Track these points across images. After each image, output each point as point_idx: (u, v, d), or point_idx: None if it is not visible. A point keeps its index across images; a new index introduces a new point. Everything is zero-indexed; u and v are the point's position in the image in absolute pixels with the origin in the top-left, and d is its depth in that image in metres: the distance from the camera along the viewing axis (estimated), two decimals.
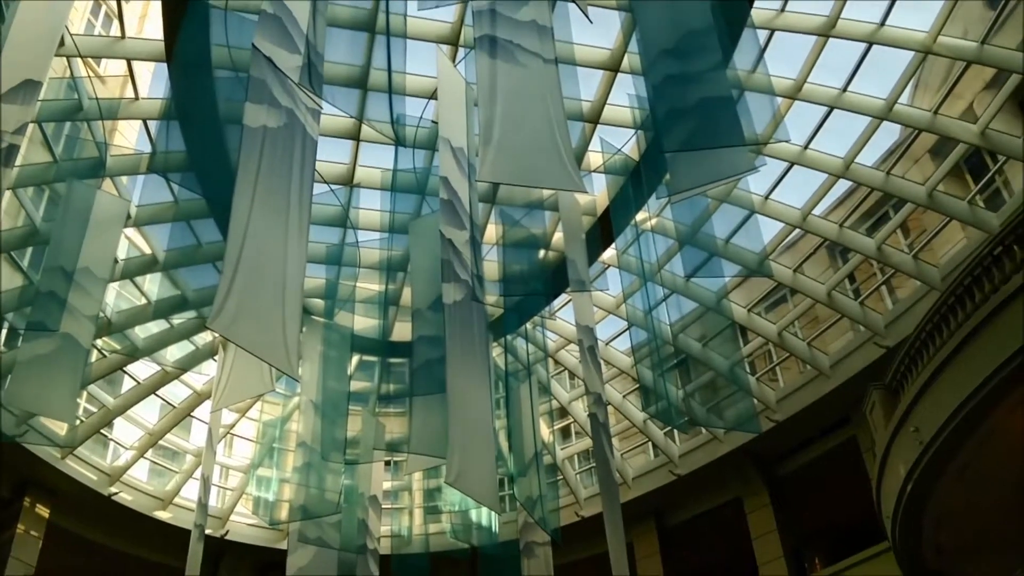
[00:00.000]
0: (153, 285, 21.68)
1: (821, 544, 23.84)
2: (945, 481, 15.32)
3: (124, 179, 19.40)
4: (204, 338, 23.27)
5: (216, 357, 21.85)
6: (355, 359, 22.99)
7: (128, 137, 21.18)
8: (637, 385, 25.67)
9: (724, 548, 25.01)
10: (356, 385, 22.73)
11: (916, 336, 15.87)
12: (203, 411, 24.21)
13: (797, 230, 21.40)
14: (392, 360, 21.46)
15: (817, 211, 20.67)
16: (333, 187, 19.50)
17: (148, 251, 20.95)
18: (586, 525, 25.47)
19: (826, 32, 17.33)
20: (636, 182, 18.80)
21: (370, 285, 21.42)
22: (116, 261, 19.28)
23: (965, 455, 14.62)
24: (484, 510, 23.28)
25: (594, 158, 20.06)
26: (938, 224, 19.47)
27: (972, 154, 18.48)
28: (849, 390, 20.56)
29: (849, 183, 20.13)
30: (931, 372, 14.77)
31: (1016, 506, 15.77)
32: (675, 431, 25.47)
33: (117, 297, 21.78)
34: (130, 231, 20.35)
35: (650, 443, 26.63)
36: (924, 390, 15.03)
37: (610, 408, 24.36)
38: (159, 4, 15.69)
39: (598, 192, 21.11)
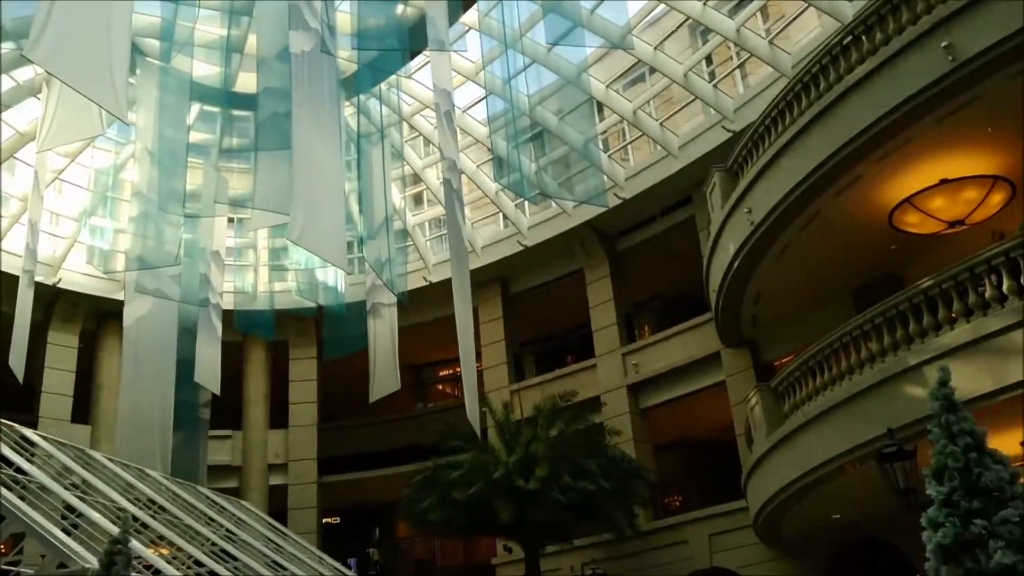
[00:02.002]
0: None
1: (651, 314, 25.45)
2: (768, 259, 16.40)
3: None
4: (26, 74, 21.23)
5: (40, 95, 20.08)
6: (195, 108, 21.64)
7: None
8: (491, 156, 25.60)
9: (563, 315, 26.31)
10: (196, 136, 21.56)
11: (761, 122, 16.33)
12: (28, 154, 22.49)
13: (662, 6, 21.06)
14: (235, 111, 20.36)
15: None
16: None
17: None
18: (433, 290, 26.06)
19: None
20: None
21: (211, 28, 19.81)
22: None
23: (788, 236, 15.59)
24: (330, 270, 23.36)
25: None
26: (796, 10, 19.55)
27: None
28: (694, 171, 21.22)
29: None
30: (770, 157, 15.36)
31: (823, 283, 17.16)
32: (525, 203, 25.86)
33: None
34: None
35: (500, 214, 27.01)
36: (761, 173, 15.68)
37: (463, 177, 24.33)
38: None
39: None
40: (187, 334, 22.05)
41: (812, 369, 14.66)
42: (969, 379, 10.29)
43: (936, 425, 5.27)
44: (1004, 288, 10.88)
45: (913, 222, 14.66)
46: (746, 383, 19.69)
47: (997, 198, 13.93)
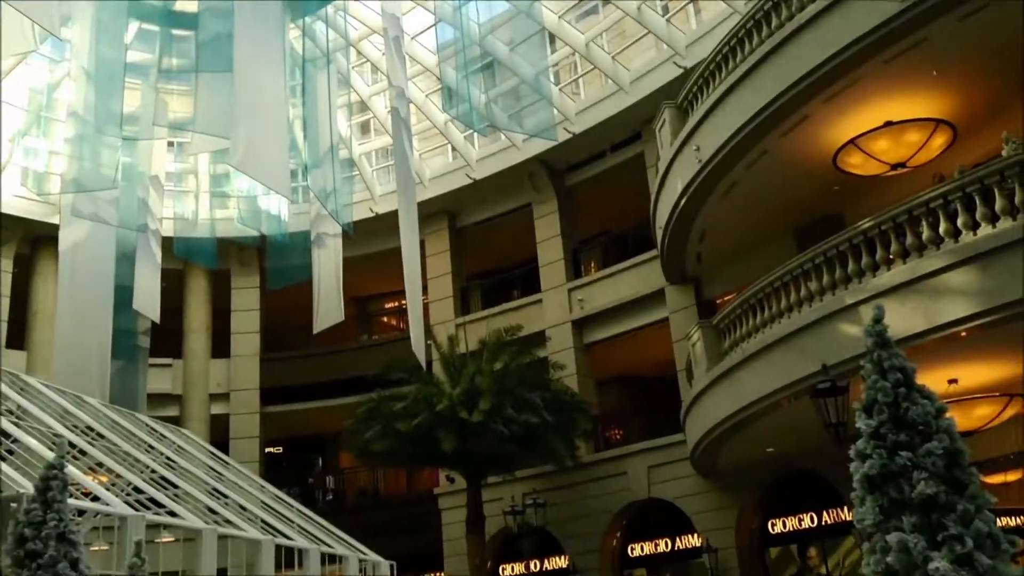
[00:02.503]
0: None
1: (597, 250, 25.53)
2: (714, 197, 16.50)
3: None
4: None
5: None
6: (133, 26, 20.77)
7: None
8: (440, 85, 25.18)
9: (510, 249, 26.26)
10: (134, 55, 20.70)
11: (712, 58, 16.26)
12: None
13: None
14: (176, 31, 19.59)
15: None
16: None
17: None
18: (380, 221, 25.77)
19: None
20: None
21: None
22: None
23: (735, 174, 15.67)
24: (273, 198, 22.95)
25: None
26: None
27: None
28: (644, 107, 21.13)
29: None
30: (720, 94, 15.35)
31: (767, 222, 17.36)
32: (474, 135, 25.56)
33: None
34: None
35: (449, 145, 26.68)
36: (711, 111, 15.68)
37: (411, 107, 23.90)
38: None
39: None
40: (125, 260, 21.57)
41: (753, 307, 14.91)
42: (903, 318, 10.56)
43: (869, 361, 5.36)
44: (941, 230, 11.11)
45: (856, 163, 14.83)
46: (688, 320, 19.95)
47: (939, 141, 14.14)
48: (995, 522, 4.72)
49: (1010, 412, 12.70)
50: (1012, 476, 16.24)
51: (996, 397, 12.58)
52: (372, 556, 16.03)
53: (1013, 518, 16.44)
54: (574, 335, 23.46)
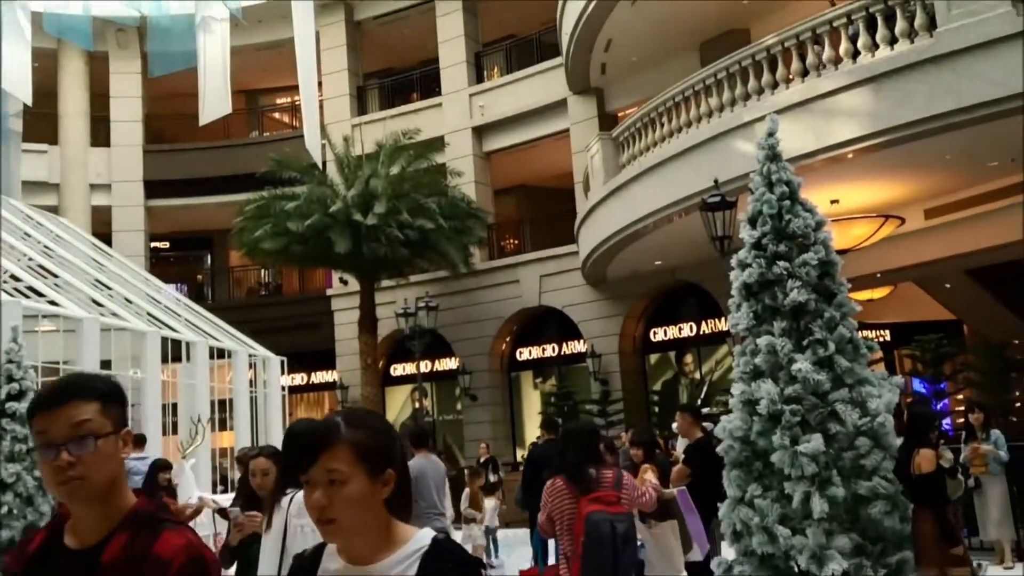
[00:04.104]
0: None
1: (501, 55, 24.76)
2: (623, 4, 16.03)
3: None
4: None
5: None
6: None
7: None
8: None
9: (411, 49, 25.22)
10: None
11: None
12: None
13: None
14: None
15: None
16: None
17: None
18: (271, 8, 23.85)
19: None
20: None
21: None
22: None
23: None
24: None
25: None
26: None
27: None
28: None
29: None
30: None
31: (674, 35, 17.09)
32: None
33: None
34: None
35: None
36: None
37: None
38: None
39: None
40: None
41: (652, 121, 14.90)
42: (795, 137, 10.66)
43: (758, 174, 5.41)
44: (841, 50, 11.13)
45: None
46: (590, 131, 19.87)
47: None
48: (857, 330, 4.98)
49: (884, 232, 13.30)
50: (879, 293, 17.33)
51: (873, 218, 13.12)
52: (262, 351, 16.12)
53: (875, 331, 17.68)
54: (474, 142, 23.14)
